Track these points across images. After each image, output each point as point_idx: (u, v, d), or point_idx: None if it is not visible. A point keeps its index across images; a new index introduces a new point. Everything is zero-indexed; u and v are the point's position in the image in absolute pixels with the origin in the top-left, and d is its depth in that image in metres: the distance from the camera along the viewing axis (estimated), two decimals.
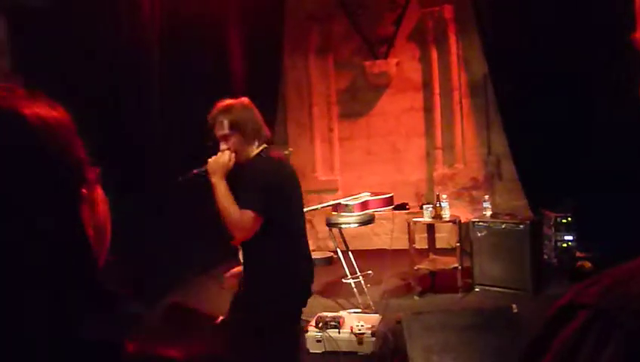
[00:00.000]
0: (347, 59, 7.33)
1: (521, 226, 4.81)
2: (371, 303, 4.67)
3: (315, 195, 7.05)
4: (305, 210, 4.67)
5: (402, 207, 6.79)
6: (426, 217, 5.02)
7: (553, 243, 5.31)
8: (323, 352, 3.84)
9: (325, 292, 5.26)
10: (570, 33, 5.16)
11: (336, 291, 5.19)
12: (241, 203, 2.25)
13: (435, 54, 6.94)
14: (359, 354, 3.77)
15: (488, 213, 5.18)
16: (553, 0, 5.32)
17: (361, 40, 7.13)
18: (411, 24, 7.07)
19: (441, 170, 7.05)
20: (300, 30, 7.28)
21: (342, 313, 4.15)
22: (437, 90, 6.97)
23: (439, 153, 7.07)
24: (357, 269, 4.93)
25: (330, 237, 5.03)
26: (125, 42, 4.74)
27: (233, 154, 2.34)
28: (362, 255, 5.60)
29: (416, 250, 5.13)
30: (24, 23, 4.12)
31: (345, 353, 3.80)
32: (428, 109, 7.12)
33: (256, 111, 2.43)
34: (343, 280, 4.89)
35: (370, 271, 5.10)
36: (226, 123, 2.32)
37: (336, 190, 7.27)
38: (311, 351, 3.86)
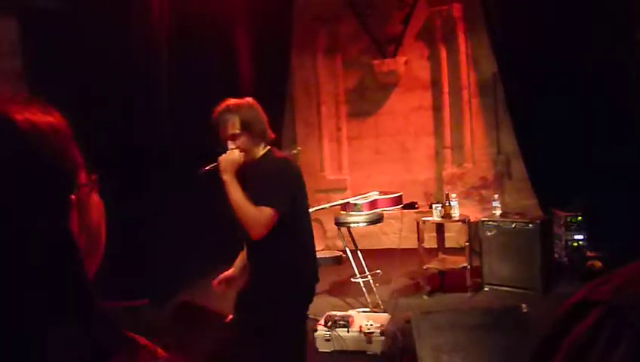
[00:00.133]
0: (355, 58, 7.33)
1: (531, 225, 4.78)
2: (380, 302, 4.67)
3: (323, 194, 7.06)
4: (313, 209, 4.73)
5: (411, 206, 6.77)
6: (435, 216, 5.00)
7: (563, 243, 5.27)
8: (332, 351, 3.85)
9: (334, 292, 5.26)
10: (580, 31, 5.12)
11: (345, 290, 5.19)
12: (259, 200, 2.26)
13: (443, 53, 6.92)
14: (368, 353, 3.78)
15: (498, 212, 5.15)
16: None
17: (370, 39, 7.13)
18: (420, 23, 7.05)
19: (450, 170, 7.03)
20: (307, 30, 7.28)
21: (351, 312, 4.16)
22: (446, 89, 6.95)
23: (448, 152, 7.05)
24: (366, 268, 4.93)
25: (339, 236, 5.04)
26: (135, 43, 4.77)
27: (242, 153, 2.35)
28: (371, 254, 5.60)
29: (425, 249, 5.12)
30: (35, 24, 4.16)
31: (354, 352, 3.80)
32: (437, 108, 7.10)
33: (262, 112, 2.44)
34: (352, 280, 4.89)
35: (379, 271, 5.10)
36: (237, 122, 2.33)
37: (344, 189, 7.27)
38: (320, 349, 3.87)
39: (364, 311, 4.38)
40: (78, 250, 0.64)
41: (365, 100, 7.40)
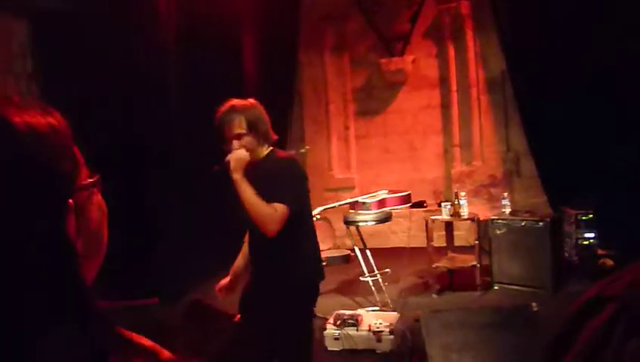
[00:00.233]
0: (363, 56, 7.32)
1: (541, 224, 4.75)
2: (389, 301, 4.66)
3: (332, 193, 7.06)
4: (322, 208, 4.73)
5: (420, 204, 6.77)
6: (444, 215, 4.99)
7: (574, 241, 5.23)
8: (341, 350, 3.85)
9: (343, 291, 5.26)
10: (590, 27, 5.08)
11: (353, 289, 5.19)
12: (270, 197, 2.29)
13: (452, 51, 6.89)
14: (377, 352, 3.77)
15: (507, 210, 5.12)
16: None
17: (377, 37, 7.12)
18: (427, 21, 7.02)
19: (458, 168, 7.00)
20: (315, 29, 7.29)
21: (360, 311, 4.16)
22: (454, 87, 6.92)
23: (457, 150, 7.02)
24: (374, 267, 4.92)
25: (348, 235, 5.04)
26: (143, 43, 4.79)
27: (247, 153, 2.37)
28: (380, 253, 5.59)
29: (434, 248, 5.11)
30: (45, 26, 4.19)
31: (363, 351, 3.80)
32: (445, 106, 7.07)
33: (265, 113, 2.46)
34: (361, 278, 4.89)
35: (387, 269, 5.09)
36: (243, 122, 2.35)
37: (353, 188, 7.27)
38: (329, 348, 3.87)
39: (373, 310, 4.38)
40: (76, 251, 0.64)
41: (373, 99, 7.39)
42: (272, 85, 6.34)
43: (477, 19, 6.70)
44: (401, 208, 5.20)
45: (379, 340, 3.77)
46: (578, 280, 4.84)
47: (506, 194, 5.38)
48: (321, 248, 6.85)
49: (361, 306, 4.63)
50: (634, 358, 0.49)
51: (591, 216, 5.19)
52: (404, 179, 6.94)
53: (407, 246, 5.37)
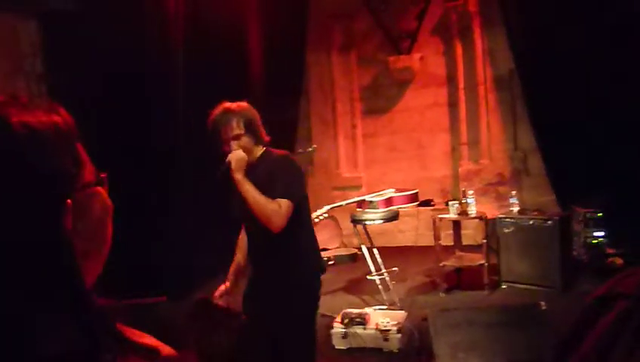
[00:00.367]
0: (370, 55, 7.31)
1: (550, 222, 4.72)
2: (397, 300, 4.66)
3: (339, 192, 7.07)
4: (329, 206, 4.73)
5: (427, 203, 6.75)
6: (452, 213, 4.97)
7: (583, 240, 5.20)
8: (348, 348, 3.85)
9: (350, 289, 5.27)
10: (598, 25, 5.04)
11: (360, 288, 5.19)
12: (274, 194, 2.32)
13: (459, 48, 6.86)
14: (385, 350, 3.77)
15: (515, 209, 5.10)
16: None
17: (384, 35, 7.10)
18: (435, 18, 7.00)
19: (466, 166, 6.97)
20: (323, 27, 7.28)
21: (367, 310, 4.15)
22: (462, 85, 6.89)
23: (464, 149, 7.00)
24: (382, 266, 4.92)
25: (355, 233, 5.03)
26: (151, 42, 4.81)
27: (245, 153, 2.40)
28: (387, 252, 5.58)
29: (442, 246, 5.09)
30: (55, 26, 4.22)
31: (370, 349, 3.80)
32: (452, 104, 7.05)
33: (258, 114, 2.50)
34: (368, 277, 4.89)
35: (395, 268, 5.09)
36: (241, 123, 2.39)
37: (360, 187, 7.26)
38: (336, 347, 3.87)
39: (380, 309, 4.38)
40: (73, 249, 0.64)
41: (380, 97, 7.38)
42: (279, 84, 6.35)
43: (485, 17, 6.67)
44: (408, 207, 5.19)
45: (386, 339, 3.76)
46: (587, 279, 4.81)
47: (514, 192, 5.35)
48: (328, 247, 6.89)
49: (369, 305, 4.63)
50: None
51: (600, 214, 5.15)
52: (411, 177, 6.93)
53: (414, 244, 5.37)
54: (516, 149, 6.74)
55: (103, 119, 4.04)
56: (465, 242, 5.62)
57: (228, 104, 2.42)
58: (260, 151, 2.47)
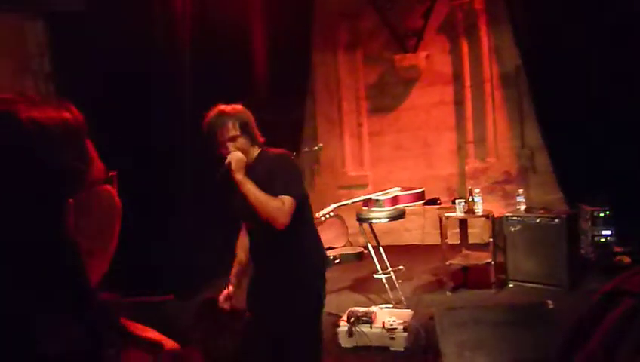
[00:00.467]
0: (376, 53, 7.29)
1: (557, 220, 4.70)
2: (403, 298, 4.65)
3: (345, 191, 7.07)
4: (335, 205, 4.73)
5: (433, 201, 6.74)
6: (458, 212, 4.95)
7: (590, 238, 5.17)
8: (354, 347, 3.85)
9: (356, 288, 5.26)
10: (605, 22, 5.00)
11: (367, 287, 5.19)
12: (276, 191, 2.34)
13: (465, 46, 6.84)
14: (391, 349, 3.77)
15: (522, 207, 5.07)
16: None
17: (390, 34, 7.08)
18: (441, 16, 6.98)
19: (472, 164, 6.95)
20: (328, 26, 7.28)
21: (373, 308, 4.15)
22: (468, 83, 6.87)
23: (471, 147, 6.97)
24: (388, 264, 4.91)
25: (361, 232, 5.03)
26: (158, 42, 4.83)
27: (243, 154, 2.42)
28: (393, 250, 5.58)
29: (449, 245, 5.08)
30: (61, 26, 4.24)
31: (377, 348, 3.80)
32: (458, 102, 7.02)
33: (252, 116, 2.53)
34: (374, 276, 4.88)
35: (401, 267, 5.08)
36: (237, 124, 2.41)
37: (366, 185, 7.25)
38: (342, 345, 3.87)
39: (386, 307, 4.37)
40: (77, 247, 0.64)
41: (386, 96, 7.37)
42: (285, 84, 6.35)
43: (490, 14, 6.63)
44: (414, 205, 5.18)
45: (392, 337, 3.76)
46: (594, 278, 4.78)
47: (520, 190, 5.33)
48: (334, 245, 6.89)
49: (375, 303, 4.63)
50: None
51: (607, 212, 5.12)
52: (417, 175, 6.91)
53: (420, 243, 5.36)
54: (523, 147, 6.71)
55: (109, 118, 4.06)
56: (471, 241, 5.60)
57: (223, 106, 2.45)
58: (256, 151, 2.49)
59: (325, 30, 7.27)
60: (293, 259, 2.47)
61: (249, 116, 2.48)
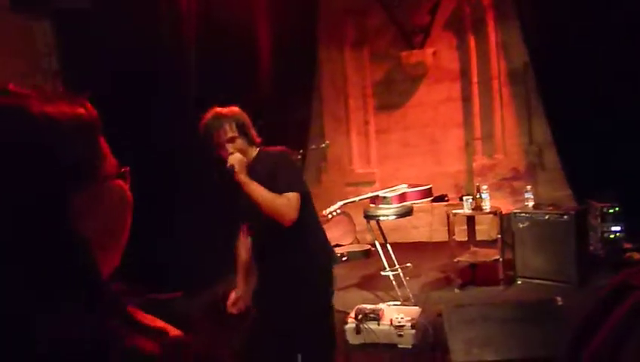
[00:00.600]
0: (383, 50, 7.27)
1: (566, 217, 4.67)
2: (411, 296, 4.64)
3: (352, 188, 7.06)
4: (342, 202, 4.73)
5: (441, 198, 6.71)
6: (466, 209, 4.94)
7: (599, 235, 5.13)
8: (362, 344, 3.85)
9: (364, 285, 5.26)
10: (614, 17, 4.96)
11: (374, 284, 5.18)
12: (280, 188, 2.36)
13: (472, 42, 6.80)
14: (399, 346, 3.76)
15: (530, 203, 5.05)
16: None
17: (397, 30, 7.06)
18: (448, 12, 6.94)
19: (480, 161, 6.92)
20: (335, 23, 7.27)
21: (381, 305, 4.14)
22: (475, 79, 6.83)
23: (478, 143, 6.94)
24: (395, 262, 4.91)
25: (368, 229, 5.02)
26: (164, 40, 4.84)
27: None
28: (401, 248, 5.57)
29: (456, 242, 5.06)
30: (69, 25, 4.26)
31: (385, 345, 3.80)
32: (466, 99, 6.99)
33: (248, 118, 2.54)
34: (382, 273, 4.88)
35: (409, 264, 5.07)
36: (234, 126, 2.44)
37: (373, 182, 7.24)
38: (350, 342, 3.87)
39: (394, 305, 4.37)
40: (87, 242, 0.64)
41: (393, 93, 7.34)
42: (291, 82, 6.35)
43: (498, 10, 6.59)
44: (422, 202, 5.16)
45: (400, 334, 3.76)
46: (604, 274, 4.75)
47: (529, 187, 5.30)
48: (341, 243, 6.89)
49: (383, 301, 4.62)
50: None
51: (617, 208, 5.08)
52: (425, 172, 6.89)
53: (428, 240, 5.34)
54: (531, 143, 6.67)
55: (116, 115, 4.07)
56: (479, 237, 5.58)
57: (219, 109, 2.48)
58: (254, 151, 2.51)
59: (331, 27, 7.26)
60: (298, 257, 2.48)
61: (245, 117, 2.50)
